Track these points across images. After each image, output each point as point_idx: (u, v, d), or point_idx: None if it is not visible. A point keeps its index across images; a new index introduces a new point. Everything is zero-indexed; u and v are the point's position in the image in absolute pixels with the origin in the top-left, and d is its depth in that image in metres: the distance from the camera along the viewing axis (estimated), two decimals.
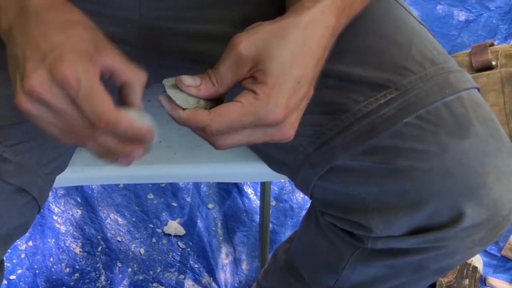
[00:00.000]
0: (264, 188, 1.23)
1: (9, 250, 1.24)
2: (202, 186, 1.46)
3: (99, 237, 1.38)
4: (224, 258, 1.37)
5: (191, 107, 0.57)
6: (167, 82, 0.59)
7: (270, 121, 0.56)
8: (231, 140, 0.57)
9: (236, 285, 1.35)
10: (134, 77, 0.58)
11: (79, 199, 1.43)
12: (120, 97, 0.59)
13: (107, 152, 0.57)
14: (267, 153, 0.80)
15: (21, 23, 0.57)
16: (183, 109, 0.57)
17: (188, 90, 0.57)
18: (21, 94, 0.54)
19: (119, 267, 1.34)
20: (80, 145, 0.58)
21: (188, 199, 1.44)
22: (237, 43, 0.57)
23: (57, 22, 0.56)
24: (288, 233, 1.41)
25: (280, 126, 0.57)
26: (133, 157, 0.57)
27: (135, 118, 0.57)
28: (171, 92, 0.58)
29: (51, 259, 1.35)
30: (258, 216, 1.37)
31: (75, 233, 1.39)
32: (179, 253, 1.37)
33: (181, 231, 1.39)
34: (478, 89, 0.69)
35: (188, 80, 0.57)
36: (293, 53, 0.57)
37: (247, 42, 0.57)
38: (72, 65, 0.53)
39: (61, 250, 1.36)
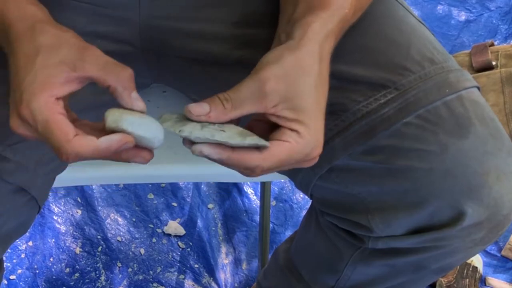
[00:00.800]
0: (264, 188, 1.23)
1: (9, 250, 1.24)
2: (202, 186, 1.46)
3: (99, 237, 1.38)
4: (224, 258, 1.37)
5: (210, 136, 0.56)
6: (168, 123, 0.57)
7: (314, 156, 0.59)
8: (271, 172, 0.59)
9: (236, 285, 1.35)
10: (115, 80, 0.57)
11: (79, 199, 1.43)
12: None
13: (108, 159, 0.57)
14: None
15: (10, 48, 0.59)
16: (232, 147, 0.56)
17: (198, 119, 0.56)
18: (13, 117, 0.57)
19: (119, 267, 1.34)
20: None
21: (188, 199, 1.44)
22: (266, 78, 0.56)
23: (26, 53, 0.57)
24: (288, 233, 1.41)
25: (317, 157, 0.59)
26: (140, 163, 0.57)
27: (115, 123, 0.55)
28: (185, 130, 0.56)
29: (51, 259, 1.35)
30: (258, 216, 1.37)
31: (75, 233, 1.39)
32: (179, 253, 1.37)
33: (181, 231, 1.39)
34: (478, 88, 0.69)
35: (197, 108, 0.56)
36: (316, 86, 0.58)
37: (275, 78, 0.57)
38: (26, 106, 0.55)
39: (61, 250, 1.36)
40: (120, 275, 1.33)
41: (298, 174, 0.73)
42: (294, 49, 0.58)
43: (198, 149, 0.56)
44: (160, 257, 1.36)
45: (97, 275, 1.33)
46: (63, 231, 1.39)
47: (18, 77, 0.56)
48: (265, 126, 0.60)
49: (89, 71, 0.57)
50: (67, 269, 1.33)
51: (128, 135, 0.55)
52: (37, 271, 1.33)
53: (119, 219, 1.41)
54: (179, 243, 1.38)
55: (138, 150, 0.57)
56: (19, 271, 1.32)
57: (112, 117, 0.56)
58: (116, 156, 0.56)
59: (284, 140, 0.57)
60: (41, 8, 0.61)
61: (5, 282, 1.30)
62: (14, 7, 0.59)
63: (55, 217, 1.40)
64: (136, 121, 0.56)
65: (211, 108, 0.56)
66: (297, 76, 0.57)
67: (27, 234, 1.35)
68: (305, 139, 0.57)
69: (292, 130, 0.57)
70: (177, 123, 0.57)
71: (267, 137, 0.58)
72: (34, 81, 0.55)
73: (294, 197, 1.47)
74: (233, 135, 0.56)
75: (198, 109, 0.56)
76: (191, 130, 0.55)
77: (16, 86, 0.56)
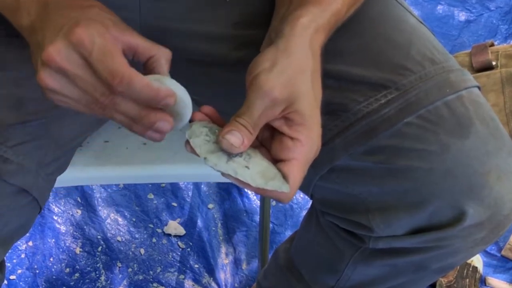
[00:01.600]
0: None
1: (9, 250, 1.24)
2: (202, 186, 1.46)
3: (99, 237, 1.38)
4: (224, 258, 1.37)
5: (233, 174, 0.56)
6: (196, 141, 0.57)
7: (315, 157, 0.60)
8: None
9: (236, 285, 1.35)
10: (159, 51, 0.58)
11: (79, 199, 1.43)
12: (145, 73, 0.58)
13: (132, 123, 0.56)
14: None
15: (43, 16, 0.58)
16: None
17: (237, 151, 0.56)
18: (40, 69, 0.55)
19: (119, 267, 1.34)
20: (106, 116, 0.57)
21: (188, 199, 1.44)
22: (272, 88, 0.56)
23: (74, 5, 0.57)
24: (288, 233, 1.41)
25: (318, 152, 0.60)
26: (161, 129, 0.56)
27: (157, 81, 0.55)
28: (210, 160, 0.56)
29: (51, 259, 1.34)
30: (258, 216, 1.37)
31: (75, 233, 1.39)
32: (179, 253, 1.37)
33: (181, 231, 1.39)
34: (479, 88, 0.69)
35: (236, 140, 0.56)
36: (313, 83, 0.59)
37: (280, 86, 0.57)
38: (86, 28, 0.53)
39: (61, 250, 1.36)
40: (120, 275, 1.33)
41: None
42: (285, 50, 0.59)
43: (253, 189, 0.57)
44: (160, 257, 1.36)
45: (97, 275, 1.33)
46: (63, 231, 1.39)
47: (60, 19, 0.55)
48: (265, 133, 0.60)
49: (137, 38, 0.57)
50: (67, 269, 1.33)
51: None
52: (37, 271, 1.32)
53: (119, 219, 1.41)
54: (179, 243, 1.38)
55: (166, 114, 0.56)
56: (19, 271, 1.32)
57: (153, 77, 0.56)
58: (149, 116, 0.55)
59: (294, 158, 0.58)
60: None
61: (5, 282, 1.30)
62: None
63: (55, 217, 1.40)
64: (177, 84, 0.57)
65: (242, 136, 0.56)
66: (297, 79, 0.58)
67: (27, 234, 1.35)
68: (308, 146, 0.58)
69: (293, 139, 0.57)
70: (206, 144, 0.57)
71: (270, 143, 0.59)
72: (92, 17, 0.55)
73: (294, 197, 1.47)
74: (255, 176, 0.56)
75: (236, 140, 0.56)
76: (216, 162, 0.56)
77: (55, 28, 0.55)
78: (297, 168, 0.58)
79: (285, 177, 0.57)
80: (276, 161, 0.58)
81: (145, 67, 0.58)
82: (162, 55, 0.58)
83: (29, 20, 0.59)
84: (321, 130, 0.59)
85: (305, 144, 0.58)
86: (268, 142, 0.60)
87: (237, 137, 0.56)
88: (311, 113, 0.58)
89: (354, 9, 0.66)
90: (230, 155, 0.56)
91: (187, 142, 0.58)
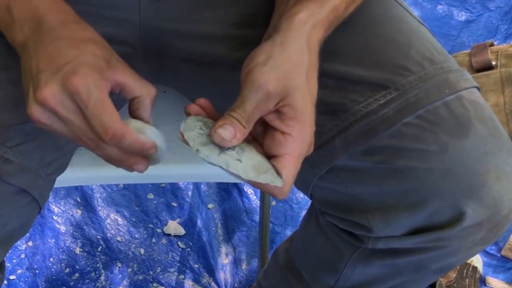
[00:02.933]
0: None
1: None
2: (202, 186, 1.46)
3: (99, 237, 1.38)
4: (224, 258, 1.37)
5: (224, 166, 0.57)
6: (190, 134, 0.58)
7: (310, 151, 0.60)
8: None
9: (236, 285, 1.35)
10: (145, 92, 0.59)
11: (79, 199, 1.43)
12: (130, 111, 0.60)
13: (111, 161, 0.59)
14: None
15: (36, 37, 0.59)
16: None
17: (229, 144, 0.57)
18: (33, 105, 0.56)
19: (119, 267, 1.34)
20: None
21: (188, 199, 1.44)
22: (265, 82, 0.56)
23: (71, 38, 0.58)
24: (288, 233, 1.41)
25: (312, 145, 0.61)
26: (138, 170, 0.59)
27: (139, 131, 0.58)
28: (202, 152, 0.57)
29: (51, 259, 1.35)
30: (258, 216, 1.37)
31: (75, 233, 1.39)
32: (179, 253, 1.37)
33: (181, 231, 1.39)
34: (478, 88, 0.69)
35: (228, 134, 0.56)
36: (308, 78, 0.59)
37: (274, 80, 0.57)
38: (84, 78, 0.55)
39: (61, 250, 1.36)
40: (120, 275, 1.33)
41: (298, 175, 0.73)
42: (281, 44, 0.59)
43: (259, 185, 0.57)
44: (160, 257, 1.36)
45: (97, 275, 1.33)
46: (63, 231, 1.39)
47: (56, 55, 0.56)
48: (258, 128, 0.60)
49: (127, 77, 0.59)
50: (67, 269, 1.33)
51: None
52: (37, 271, 1.33)
53: (119, 219, 1.41)
54: (179, 243, 1.38)
55: (142, 159, 0.59)
56: (19, 271, 1.32)
57: (135, 124, 0.59)
58: (128, 159, 0.59)
59: (286, 153, 0.58)
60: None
61: (5, 282, 1.30)
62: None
63: (55, 217, 1.40)
64: (157, 133, 0.59)
65: (235, 130, 0.56)
66: (291, 72, 0.58)
67: (27, 234, 1.35)
68: (300, 141, 0.58)
69: (285, 134, 0.57)
70: (199, 137, 0.57)
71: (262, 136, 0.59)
72: (88, 61, 0.56)
73: (294, 197, 1.47)
74: (248, 169, 0.56)
75: (228, 134, 0.56)
76: (208, 154, 0.57)
77: (51, 63, 0.56)
78: (290, 163, 0.58)
79: (278, 172, 0.57)
80: (269, 156, 0.59)
81: (130, 104, 0.60)
82: (147, 96, 0.60)
83: (22, 38, 0.60)
84: (320, 129, 0.59)
85: (296, 139, 0.57)
86: (261, 137, 0.60)
87: (229, 131, 0.56)
88: (304, 108, 0.58)
89: (354, 6, 0.66)
90: (222, 148, 0.57)
91: (180, 132, 0.59)
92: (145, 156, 0.59)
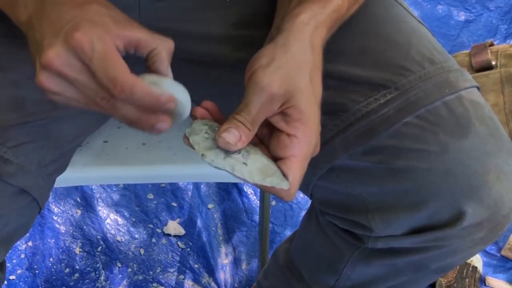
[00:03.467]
0: None
1: None
2: (202, 186, 1.46)
3: (99, 237, 1.38)
4: (224, 258, 1.37)
5: (230, 170, 0.56)
6: (196, 138, 0.57)
7: (315, 152, 0.59)
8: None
9: (236, 285, 1.35)
10: (161, 44, 0.57)
11: (79, 199, 1.43)
12: (147, 66, 0.58)
13: (131, 123, 0.56)
14: None
15: (39, 10, 0.57)
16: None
17: (234, 148, 0.56)
18: (40, 72, 0.54)
19: (119, 267, 1.34)
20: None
21: (188, 199, 1.44)
22: (269, 84, 0.56)
23: (72, 2, 0.56)
24: (288, 233, 1.41)
25: (318, 145, 0.60)
26: (161, 130, 0.56)
27: (155, 83, 0.55)
28: (208, 156, 0.56)
29: (51, 259, 1.35)
30: (258, 216, 1.37)
31: (75, 233, 1.39)
32: (178, 253, 1.37)
33: (181, 231, 1.39)
34: (478, 88, 0.69)
35: (232, 138, 0.56)
36: (311, 79, 0.58)
37: (278, 81, 0.56)
38: (86, 32, 0.53)
39: (61, 250, 1.36)
40: (120, 275, 1.33)
41: None
42: (284, 45, 0.58)
43: (261, 186, 0.57)
44: (159, 257, 1.36)
45: (97, 275, 1.33)
46: (63, 231, 1.39)
47: (57, 18, 0.54)
48: (264, 130, 0.60)
49: (138, 32, 0.56)
50: (67, 269, 1.33)
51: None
52: (37, 271, 1.32)
53: (119, 219, 1.41)
54: (179, 243, 1.38)
55: (165, 116, 0.56)
56: (19, 271, 1.32)
57: (150, 78, 0.56)
58: (149, 118, 0.55)
59: (292, 155, 0.57)
60: None
61: (5, 282, 1.30)
62: None
63: (55, 217, 1.40)
64: (175, 84, 0.56)
65: (240, 133, 0.56)
66: (294, 74, 0.58)
67: (27, 234, 1.35)
68: (306, 143, 0.58)
69: (290, 136, 0.57)
70: (204, 141, 0.57)
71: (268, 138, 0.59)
72: (91, 18, 0.54)
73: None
74: (254, 172, 0.56)
75: (233, 137, 0.56)
76: (213, 158, 0.56)
77: (53, 28, 0.54)
78: (296, 165, 0.57)
79: (284, 175, 0.57)
80: (275, 159, 0.58)
81: (146, 59, 0.58)
82: (163, 48, 0.57)
83: (26, 14, 0.58)
84: (321, 128, 0.59)
85: (302, 140, 0.57)
86: (267, 139, 0.60)
87: (234, 135, 0.56)
88: (308, 109, 0.58)
89: (357, 6, 0.66)
90: (228, 152, 0.56)
91: (185, 136, 0.58)
92: (166, 113, 0.56)
